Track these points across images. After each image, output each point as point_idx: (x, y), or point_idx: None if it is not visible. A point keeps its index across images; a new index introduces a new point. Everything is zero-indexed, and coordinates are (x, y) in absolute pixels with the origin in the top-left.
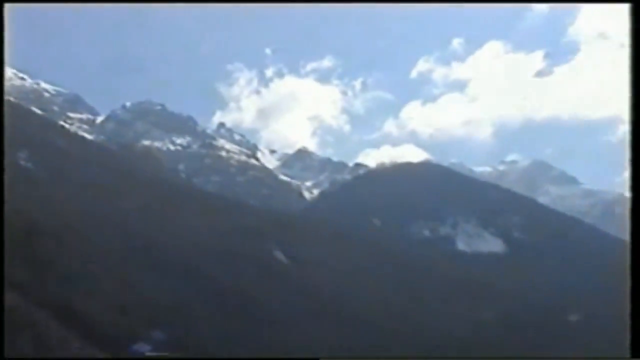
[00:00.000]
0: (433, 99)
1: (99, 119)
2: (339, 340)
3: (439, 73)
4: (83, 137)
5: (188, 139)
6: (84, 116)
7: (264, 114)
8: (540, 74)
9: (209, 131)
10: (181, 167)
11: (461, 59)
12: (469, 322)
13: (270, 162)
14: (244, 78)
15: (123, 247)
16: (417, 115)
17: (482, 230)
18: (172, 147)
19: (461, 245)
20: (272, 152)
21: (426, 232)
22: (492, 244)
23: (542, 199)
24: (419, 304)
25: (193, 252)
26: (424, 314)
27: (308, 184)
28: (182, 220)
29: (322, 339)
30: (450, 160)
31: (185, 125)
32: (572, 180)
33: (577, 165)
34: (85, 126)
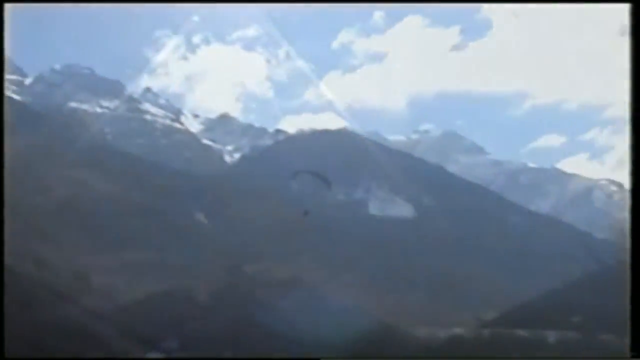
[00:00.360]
0: (352, 69)
1: (28, 81)
2: (249, 295)
3: (359, 45)
4: (11, 98)
5: (115, 102)
6: (12, 77)
7: (190, 79)
8: (455, 48)
9: (135, 95)
10: (107, 129)
11: (381, 31)
12: (381, 280)
13: (194, 127)
14: (172, 44)
15: (48, 207)
16: (336, 85)
17: (393, 195)
18: (99, 110)
19: (373, 210)
20: (196, 116)
21: (341, 196)
22: (403, 209)
23: (452, 168)
24: (332, 264)
25: (117, 212)
26: (336, 273)
27: (230, 148)
28: (106, 181)
29: (233, 292)
30: (366, 128)
31: (113, 89)
32: (480, 151)
33: (486, 136)
34: (13, 87)
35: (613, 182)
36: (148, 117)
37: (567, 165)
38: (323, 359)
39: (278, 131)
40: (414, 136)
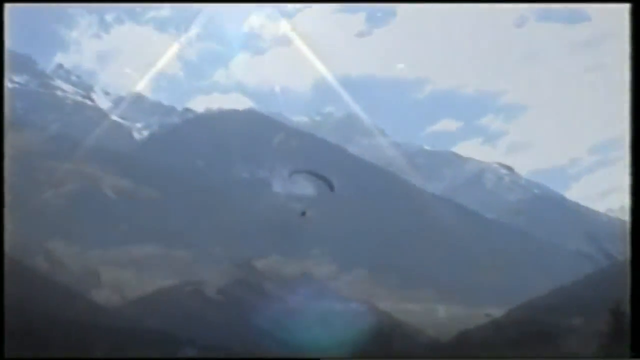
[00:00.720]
0: (261, 52)
1: None
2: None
3: (269, 29)
4: None
5: (26, 77)
6: None
7: (102, 57)
8: (361, 34)
9: (47, 71)
10: (19, 104)
11: (290, 16)
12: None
13: (104, 104)
14: (85, 22)
15: None
16: (245, 67)
17: (296, 174)
18: (9, 85)
19: (276, 188)
20: (107, 94)
21: (245, 175)
22: (304, 188)
23: (352, 149)
24: (234, 239)
25: (24, 187)
26: (241, 248)
27: (139, 125)
28: (16, 157)
29: (142, 261)
30: (272, 109)
31: (25, 64)
32: (381, 133)
33: (387, 119)
34: None
35: (503, 165)
36: (59, 93)
37: (462, 149)
38: (323, 358)
39: (187, 110)
40: (317, 118)
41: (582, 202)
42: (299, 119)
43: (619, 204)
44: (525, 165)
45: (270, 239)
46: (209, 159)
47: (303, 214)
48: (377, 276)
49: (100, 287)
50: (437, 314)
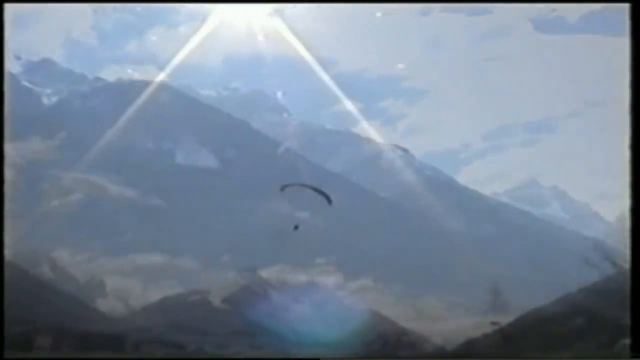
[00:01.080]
0: (175, 26)
1: None
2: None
3: (185, 4)
4: None
5: None
6: None
7: (15, 21)
8: (274, 13)
9: None
10: None
11: None
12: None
13: (15, 68)
14: None
15: None
16: (160, 39)
17: (199, 146)
18: None
19: (180, 159)
20: (18, 58)
21: (149, 145)
22: (207, 160)
23: (256, 125)
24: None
25: None
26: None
27: (48, 91)
28: None
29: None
30: (181, 82)
31: None
32: (284, 110)
33: (292, 97)
34: None
35: (399, 147)
36: None
37: (362, 129)
38: (323, 358)
39: (97, 79)
40: (224, 92)
41: (470, 186)
42: (206, 92)
43: (504, 188)
44: (420, 148)
45: (276, 248)
46: (115, 127)
47: (296, 227)
48: (382, 284)
49: (105, 296)
50: (443, 321)
